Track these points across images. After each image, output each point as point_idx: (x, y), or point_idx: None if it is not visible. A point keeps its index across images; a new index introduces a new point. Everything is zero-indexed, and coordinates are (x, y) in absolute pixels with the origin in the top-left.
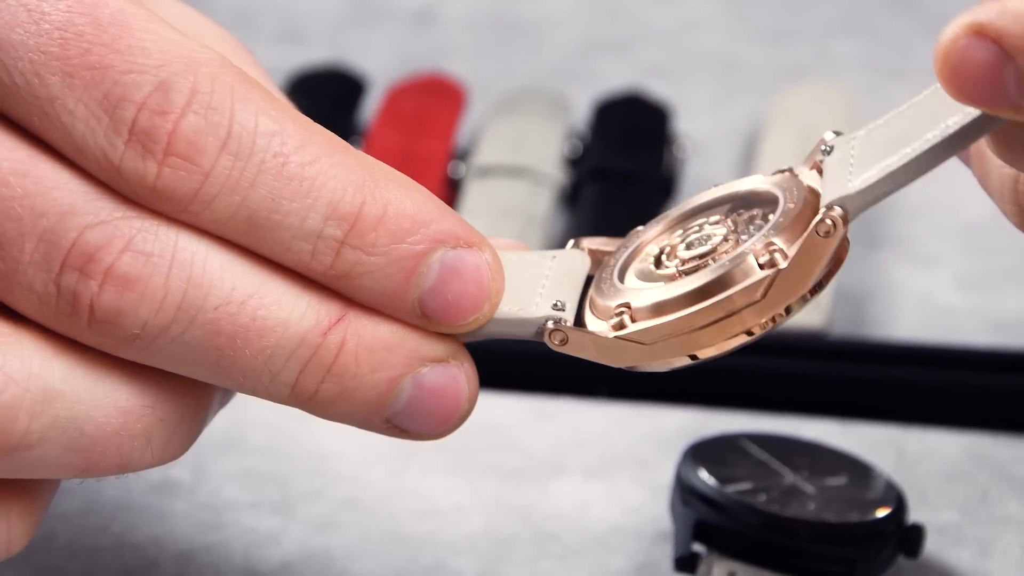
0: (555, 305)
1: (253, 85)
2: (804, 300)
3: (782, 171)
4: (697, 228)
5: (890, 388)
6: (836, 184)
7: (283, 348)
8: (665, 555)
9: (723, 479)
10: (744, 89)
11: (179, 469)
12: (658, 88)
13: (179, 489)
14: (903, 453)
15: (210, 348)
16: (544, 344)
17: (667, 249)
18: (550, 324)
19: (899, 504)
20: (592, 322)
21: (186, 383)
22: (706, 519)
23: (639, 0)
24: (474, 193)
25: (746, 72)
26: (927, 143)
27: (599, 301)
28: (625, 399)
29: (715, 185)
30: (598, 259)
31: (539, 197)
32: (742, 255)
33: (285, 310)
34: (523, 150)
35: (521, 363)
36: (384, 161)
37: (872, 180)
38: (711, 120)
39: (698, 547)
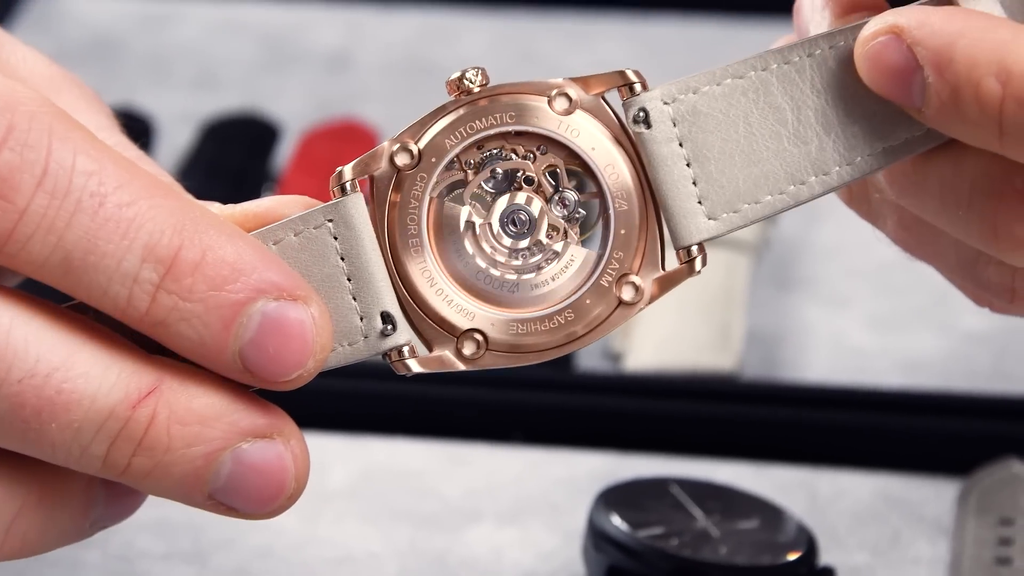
0: (384, 330)
1: (74, 126)
2: None
3: (565, 96)
4: (492, 181)
5: (802, 430)
6: (682, 206)
7: (91, 422)
8: None
9: (635, 524)
10: None
11: None
12: None
13: (92, 540)
14: (815, 495)
15: (16, 420)
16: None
17: (482, 222)
18: (396, 361)
19: (810, 547)
20: (430, 332)
21: (24, 468)
22: (618, 564)
23: (552, 43)
24: None
25: None
26: (797, 193)
27: (437, 312)
28: (538, 444)
29: (481, 75)
30: (367, 192)
31: None
32: (602, 291)
33: (92, 383)
34: None
35: (434, 408)
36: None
37: (736, 225)
38: None
39: None
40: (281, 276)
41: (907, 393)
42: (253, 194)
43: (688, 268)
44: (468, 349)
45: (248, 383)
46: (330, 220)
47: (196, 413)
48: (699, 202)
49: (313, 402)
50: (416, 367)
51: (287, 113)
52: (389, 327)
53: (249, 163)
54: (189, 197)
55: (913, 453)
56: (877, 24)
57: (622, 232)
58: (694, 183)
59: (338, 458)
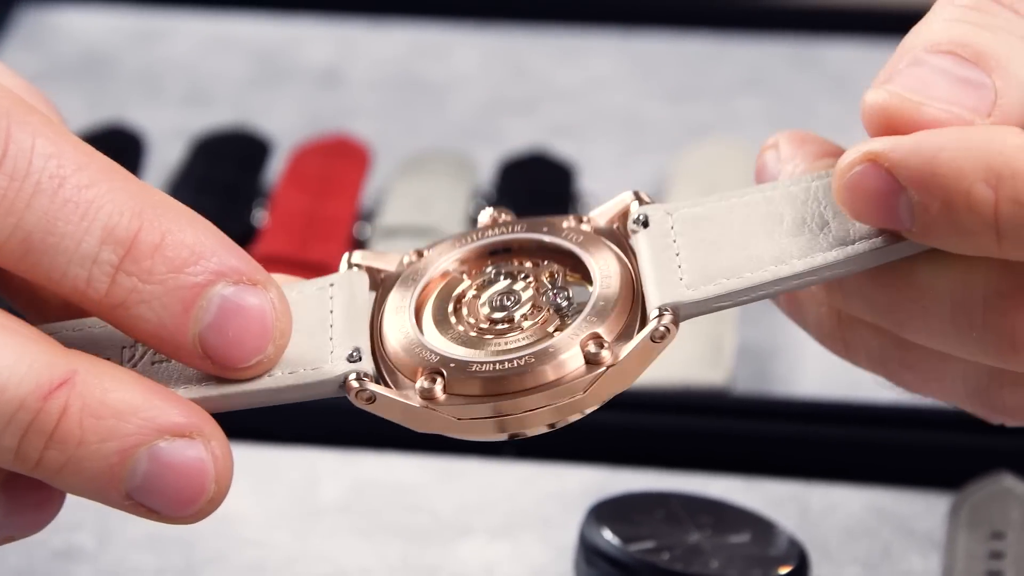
0: (351, 356)
1: (31, 110)
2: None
3: (579, 219)
4: (494, 275)
5: (794, 444)
6: (663, 277)
7: (1, 412)
8: None
9: (627, 538)
10: (648, 147)
11: (83, 535)
12: (562, 147)
13: (83, 555)
14: (806, 509)
15: None
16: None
17: (467, 298)
18: (353, 382)
19: (801, 561)
20: (396, 377)
21: None
22: None
23: (543, 59)
24: None
25: (650, 130)
26: (777, 271)
27: (402, 356)
28: (530, 458)
29: (494, 210)
30: (374, 277)
31: None
32: (568, 342)
33: (3, 373)
34: (428, 210)
35: None
36: (290, 223)
37: (712, 294)
38: (615, 178)
39: None
40: (240, 261)
41: (898, 408)
42: (244, 209)
43: (652, 327)
44: (425, 384)
45: (209, 371)
46: (331, 284)
47: (110, 407)
48: (680, 278)
49: (305, 417)
50: (374, 387)
51: (278, 129)
52: (355, 354)
53: (240, 179)
54: (145, 183)
55: (904, 468)
56: (852, 155)
57: (600, 303)
58: (679, 266)
59: (330, 473)
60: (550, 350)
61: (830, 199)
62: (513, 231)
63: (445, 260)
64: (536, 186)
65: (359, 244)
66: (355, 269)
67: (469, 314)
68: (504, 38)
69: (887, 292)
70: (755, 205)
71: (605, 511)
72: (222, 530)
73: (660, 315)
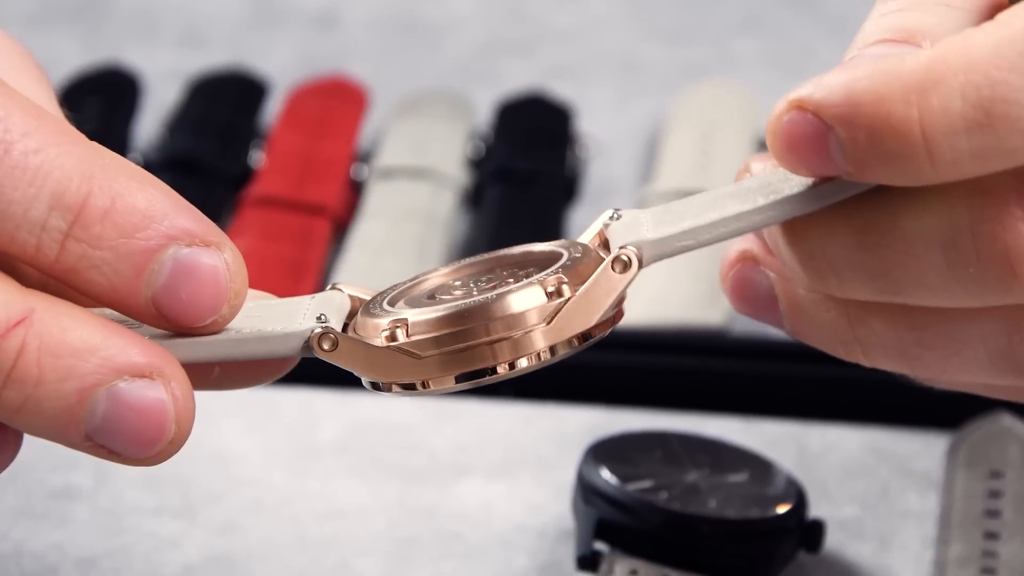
0: (319, 317)
1: None
2: (571, 344)
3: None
4: (474, 276)
5: (791, 384)
6: (629, 234)
7: None
8: (568, 554)
9: (624, 477)
10: (646, 89)
11: (80, 474)
12: (560, 88)
13: (80, 494)
14: (804, 449)
15: None
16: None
17: (442, 288)
18: (318, 329)
19: (800, 500)
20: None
21: None
22: (607, 517)
23: (541, 1)
24: (376, 195)
25: (648, 72)
26: (739, 209)
27: (368, 321)
28: (528, 399)
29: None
30: (356, 304)
31: (442, 199)
32: (529, 283)
33: None
34: (425, 152)
35: None
36: (287, 164)
37: (671, 232)
38: (613, 120)
39: (600, 546)
40: (193, 223)
41: None
42: (241, 151)
43: (612, 261)
44: (388, 330)
45: (165, 328)
46: (312, 299)
47: (69, 346)
48: (645, 230)
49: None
50: (337, 332)
51: (275, 70)
52: (323, 316)
53: (237, 120)
54: (98, 145)
55: (902, 407)
56: (780, 105)
57: (568, 264)
58: (645, 224)
59: (327, 413)
60: (513, 289)
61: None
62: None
63: (424, 280)
64: (534, 127)
65: (356, 185)
66: (337, 292)
67: (446, 293)
68: None
69: (877, 254)
70: (731, 196)
71: (602, 450)
72: (220, 469)
73: (622, 248)
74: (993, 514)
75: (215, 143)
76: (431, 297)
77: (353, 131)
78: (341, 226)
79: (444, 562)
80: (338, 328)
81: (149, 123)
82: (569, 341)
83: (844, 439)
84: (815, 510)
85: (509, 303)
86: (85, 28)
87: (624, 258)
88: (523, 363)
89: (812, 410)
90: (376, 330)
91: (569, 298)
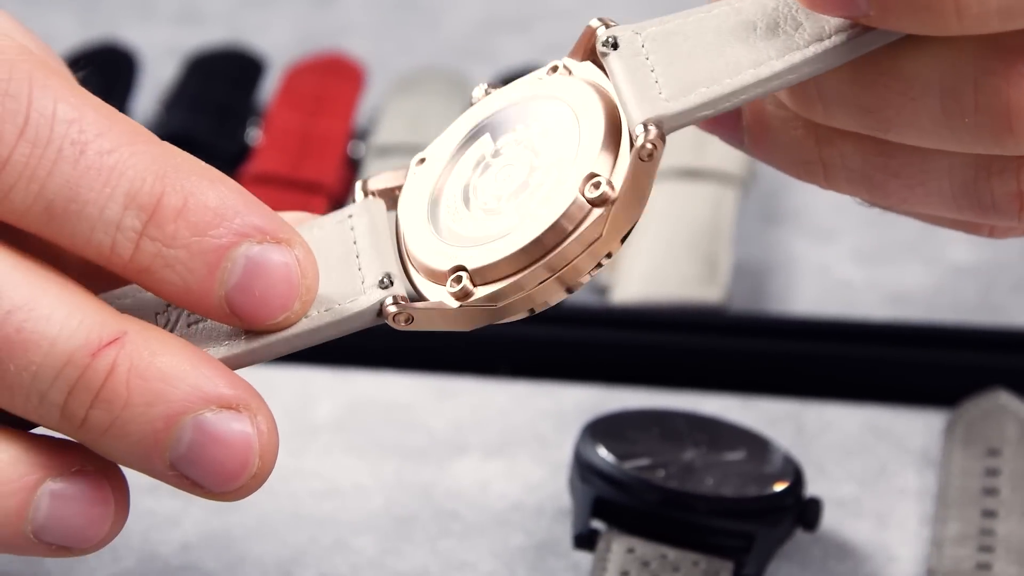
0: (382, 282)
1: (52, 72)
2: (620, 242)
3: (552, 67)
4: (492, 153)
5: (789, 362)
6: (642, 95)
7: (49, 367)
8: (565, 532)
9: (621, 455)
10: None
11: None
12: None
13: None
14: (802, 427)
15: None
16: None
17: (472, 187)
18: (391, 307)
19: (797, 478)
20: (429, 289)
21: None
22: (605, 496)
23: None
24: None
25: None
26: (756, 73)
27: (425, 262)
28: (525, 377)
29: (487, 85)
30: (390, 197)
31: None
32: (567, 192)
33: (54, 326)
34: (422, 129)
35: (420, 341)
36: (284, 141)
37: (693, 103)
38: None
39: (597, 524)
40: (263, 219)
41: (894, 325)
42: (238, 128)
43: (639, 152)
44: (454, 286)
45: (237, 326)
46: (350, 216)
47: (158, 370)
48: (659, 93)
49: None
50: (408, 306)
51: (272, 47)
52: (386, 279)
53: (234, 97)
54: (168, 144)
55: (900, 385)
56: None
57: (586, 141)
58: (656, 81)
59: (324, 391)
60: (555, 205)
61: (801, 8)
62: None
63: (443, 156)
64: None
65: (353, 163)
66: (371, 197)
67: (478, 197)
68: None
69: (872, 91)
70: (725, 16)
71: (600, 428)
72: None
73: (645, 131)
74: (991, 492)
75: (212, 120)
76: (466, 201)
77: (350, 108)
78: (338, 203)
79: (441, 540)
80: (399, 270)
81: (146, 100)
82: (620, 240)
83: (841, 417)
84: (812, 488)
85: (562, 226)
86: (82, 5)
87: (649, 146)
88: (567, 292)
89: (810, 388)
90: (437, 277)
91: (613, 201)
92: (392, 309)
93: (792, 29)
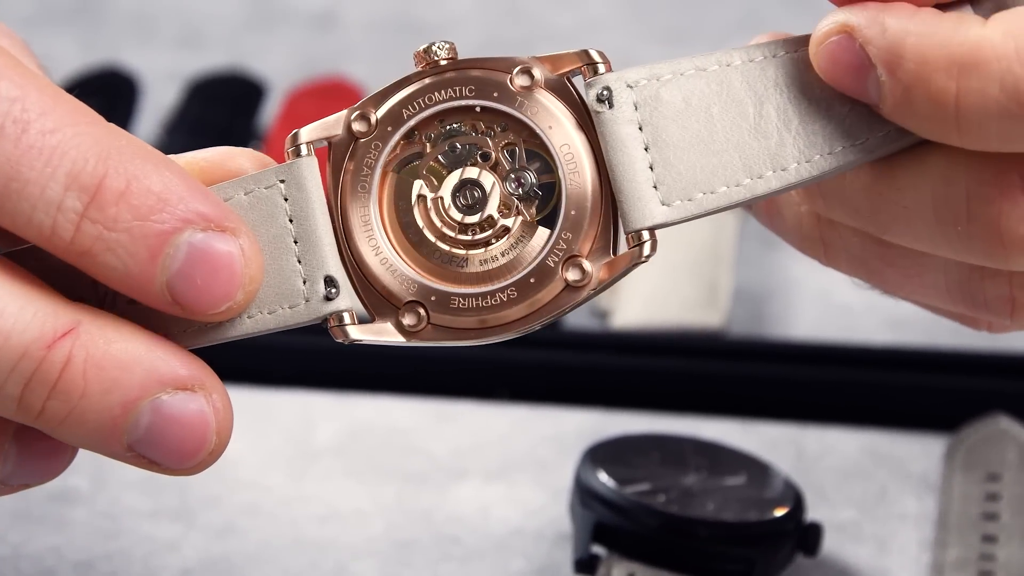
0: (328, 293)
1: None
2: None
3: (527, 70)
4: (459, 150)
5: (789, 387)
6: (637, 191)
7: (4, 360)
8: (566, 557)
9: (622, 480)
10: None
11: (78, 477)
12: None
13: (78, 497)
14: (802, 451)
15: None
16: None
17: (434, 196)
18: (335, 327)
19: (797, 503)
20: (375, 303)
21: None
22: (605, 521)
23: (539, 1)
24: None
25: None
26: (757, 189)
27: (383, 281)
28: (525, 401)
29: (448, 46)
30: (323, 154)
31: None
32: (548, 270)
33: (7, 320)
34: None
35: (420, 365)
36: None
37: (691, 213)
38: None
39: (598, 549)
40: (209, 207)
41: (894, 350)
42: None
43: (636, 253)
44: (409, 320)
45: (178, 315)
46: (282, 181)
47: (114, 358)
48: (654, 187)
49: (300, 360)
50: (355, 334)
51: (273, 71)
52: (332, 291)
53: (235, 121)
54: (114, 126)
55: (900, 410)
56: (830, 23)
57: (572, 213)
58: (651, 168)
59: (325, 416)
60: (531, 281)
61: (792, 91)
62: (461, 94)
63: (393, 138)
64: None
65: None
66: (303, 155)
67: (441, 222)
68: None
69: (869, 197)
70: (717, 87)
71: (600, 453)
72: (217, 472)
73: (644, 241)
74: (991, 517)
75: (213, 144)
76: (425, 215)
77: None
78: None
79: (441, 565)
80: (342, 276)
81: (147, 124)
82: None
83: (842, 442)
84: (813, 513)
85: (530, 301)
86: (83, 29)
87: (647, 253)
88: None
89: (810, 412)
90: (392, 296)
91: (591, 292)
92: (337, 331)
93: (785, 129)
